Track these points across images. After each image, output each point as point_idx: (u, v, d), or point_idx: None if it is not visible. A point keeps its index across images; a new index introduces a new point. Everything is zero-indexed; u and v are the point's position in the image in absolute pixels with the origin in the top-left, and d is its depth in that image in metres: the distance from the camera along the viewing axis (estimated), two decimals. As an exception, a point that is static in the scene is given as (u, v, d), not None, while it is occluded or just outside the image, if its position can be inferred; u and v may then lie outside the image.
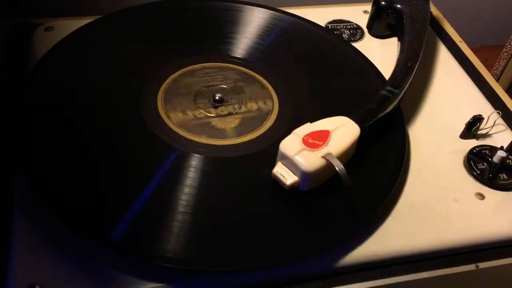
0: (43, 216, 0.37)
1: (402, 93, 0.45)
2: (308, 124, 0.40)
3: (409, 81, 0.46)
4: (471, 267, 0.40)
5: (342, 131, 0.40)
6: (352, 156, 0.41)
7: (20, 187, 0.39)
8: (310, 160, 0.37)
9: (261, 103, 0.46)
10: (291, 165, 0.38)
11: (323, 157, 0.37)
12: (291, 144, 0.38)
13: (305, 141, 0.38)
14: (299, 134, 0.39)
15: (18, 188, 0.39)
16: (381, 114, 0.43)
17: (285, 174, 0.38)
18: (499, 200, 0.43)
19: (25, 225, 0.37)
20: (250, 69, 0.49)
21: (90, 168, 0.40)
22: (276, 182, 0.39)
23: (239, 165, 0.41)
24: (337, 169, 0.37)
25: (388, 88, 0.44)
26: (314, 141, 0.38)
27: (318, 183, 0.39)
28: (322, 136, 0.39)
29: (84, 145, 0.41)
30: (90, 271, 0.36)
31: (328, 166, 0.37)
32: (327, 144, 0.38)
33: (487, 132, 0.48)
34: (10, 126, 0.42)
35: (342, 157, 0.38)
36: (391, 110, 0.44)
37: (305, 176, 0.37)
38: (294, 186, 0.38)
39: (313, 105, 0.47)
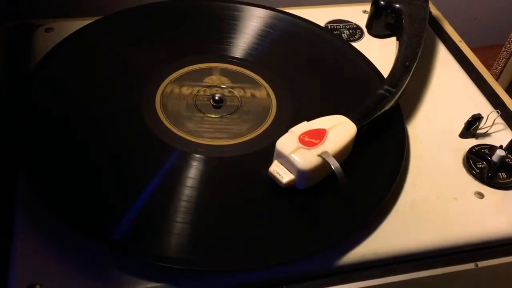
0: (44, 216, 0.38)
1: (400, 92, 0.45)
2: (305, 122, 0.40)
3: (407, 80, 0.46)
4: (470, 265, 0.40)
5: (338, 130, 0.40)
6: (352, 154, 0.41)
7: (21, 187, 0.40)
8: (306, 159, 0.37)
9: (259, 103, 0.46)
10: (288, 163, 0.38)
11: (319, 155, 0.38)
12: (287, 143, 0.38)
13: (301, 139, 0.38)
14: (296, 132, 0.39)
15: (19, 188, 0.40)
16: (378, 113, 0.43)
17: (281, 173, 0.38)
18: (498, 199, 0.43)
19: (26, 225, 0.38)
20: (249, 69, 0.49)
21: (91, 168, 0.40)
22: (274, 181, 0.39)
23: (238, 164, 0.42)
24: (333, 167, 0.37)
25: (386, 87, 0.44)
26: (311, 140, 0.38)
27: (315, 181, 0.39)
28: (319, 135, 0.39)
29: (84, 146, 0.41)
30: (91, 270, 0.36)
31: (324, 164, 0.38)
32: (324, 142, 0.38)
33: (487, 131, 0.48)
34: (11, 127, 0.42)
35: (338, 155, 0.39)
36: (388, 109, 0.44)
37: (301, 174, 0.38)
38: (290, 185, 0.38)
39: (311, 104, 0.47)
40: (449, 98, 0.51)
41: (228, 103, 0.46)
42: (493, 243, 0.41)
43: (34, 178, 0.38)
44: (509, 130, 0.49)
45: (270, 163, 0.39)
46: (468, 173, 0.45)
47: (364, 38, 0.57)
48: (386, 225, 0.40)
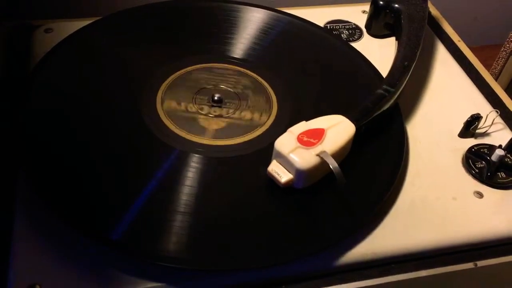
0: (44, 216, 0.38)
1: (399, 92, 0.45)
2: (303, 122, 0.40)
3: (406, 80, 0.46)
4: (469, 265, 0.40)
5: (337, 130, 0.40)
6: (351, 154, 0.41)
7: (21, 187, 0.40)
8: (305, 158, 0.37)
9: (259, 103, 0.47)
10: (286, 163, 0.38)
11: (317, 155, 0.38)
12: (286, 142, 0.38)
13: (300, 139, 0.38)
14: (294, 132, 0.39)
15: (19, 188, 0.40)
16: (377, 113, 0.43)
17: (280, 172, 0.38)
18: (497, 198, 0.43)
19: (26, 225, 0.38)
20: (249, 69, 0.49)
21: (91, 168, 0.40)
22: (273, 181, 0.39)
23: (237, 164, 0.42)
24: (331, 167, 0.37)
25: (385, 87, 0.44)
26: (309, 139, 0.38)
27: (313, 181, 0.39)
28: (317, 134, 0.39)
29: (84, 146, 0.41)
30: (91, 270, 0.36)
31: (323, 164, 0.38)
32: (322, 142, 0.38)
33: (486, 131, 0.48)
34: (11, 127, 0.42)
35: (337, 155, 0.39)
36: (387, 109, 0.44)
37: (299, 174, 0.38)
38: (288, 184, 0.38)
39: (311, 104, 0.47)
40: (448, 98, 0.51)
41: (227, 103, 0.46)
42: (492, 242, 0.41)
43: (34, 178, 0.38)
44: (508, 129, 0.49)
45: (269, 163, 0.39)
46: (467, 172, 0.45)
47: (363, 38, 0.57)
48: (385, 225, 0.40)
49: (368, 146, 0.43)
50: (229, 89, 0.47)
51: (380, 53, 0.55)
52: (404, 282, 0.39)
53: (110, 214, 0.37)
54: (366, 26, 0.58)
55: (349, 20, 0.59)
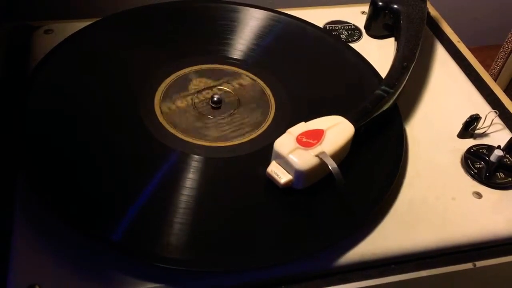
0: (44, 217, 0.38)
1: (398, 93, 0.45)
2: (303, 123, 0.40)
3: (405, 81, 0.46)
4: (468, 265, 0.40)
5: (336, 130, 0.40)
6: (350, 154, 0.41)
7: (21, 187, 0.40)
8: (304, 159, 0.38)
9: (258, 104, 0.47)
10: (285, 164, 0.38)
11: (316, 156, 0.38)
12: (285, 143, 0.38)
13: (299, 140, 0.38)
14: (293, 133, 0.39)
15: (19, 189, 0.40)
16: (376, 114, 0.43)
17: (279, 173, 0.38)
18: (496, 199, 0.43)
19: (25, 225, 0.38)
20: (248, 71, 0.49)
21: (91, 169, 0.40)
22: (272, 182, 0.39)
23: (237, 165, 0.42)
24: (330, 167, 0.37)
25: (383, 87, 0.44)
26: (308, 140, 0.38)
27: (312, 181, 0.39)
28: (316, 135, 0.39)
29: (84, 147, 0.41)
30: (90, 271, 0.36)
31: (322, 165, 0.38)
32: (321, 143, 0.38)
33: (485, 132, 0.48)
34: (11, 128, 0.42)
35: (336, 156, 0.39)
36: (386, 110, 0.44)
37: (298, 174, 0.38)
38: (288, 185, 0.39)
39: (310, 105, 0.47)
40: (447, 99, 0.51)
41: (226, 104, 0.46)
42: (491, 243, 0.41)
43: (34, 178, 0.38)
44: (507, 130, 0.49)
45: (268, 163, 0.40)
46: (466, 173, 0.45)
47: (362, 39, 0.57)
48: (384, 225, 0.40)
49: (367, 147, 0.43)
50: (228, 90, 0.48)
51: (379, 53, 0.55)
52: (404, 282, 0.39)
53: (110, 214, 0.37)
54: (365, 27, 0.58)
55: (348, 21, 0.59)
